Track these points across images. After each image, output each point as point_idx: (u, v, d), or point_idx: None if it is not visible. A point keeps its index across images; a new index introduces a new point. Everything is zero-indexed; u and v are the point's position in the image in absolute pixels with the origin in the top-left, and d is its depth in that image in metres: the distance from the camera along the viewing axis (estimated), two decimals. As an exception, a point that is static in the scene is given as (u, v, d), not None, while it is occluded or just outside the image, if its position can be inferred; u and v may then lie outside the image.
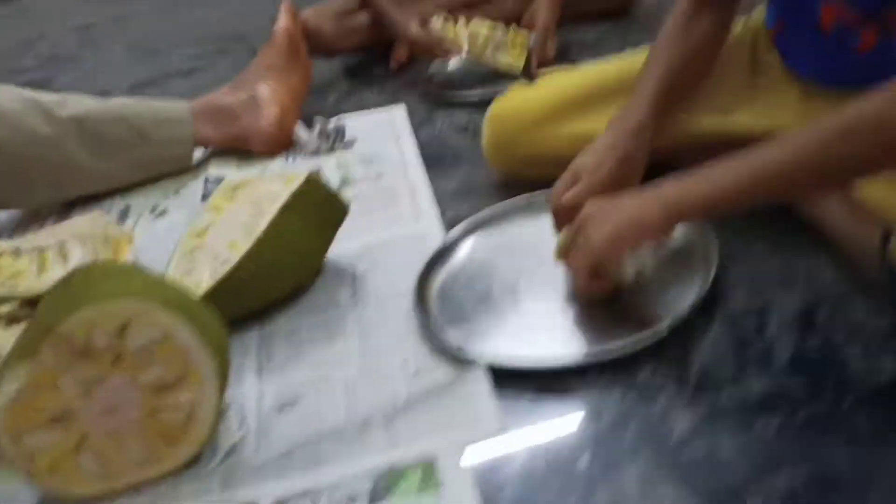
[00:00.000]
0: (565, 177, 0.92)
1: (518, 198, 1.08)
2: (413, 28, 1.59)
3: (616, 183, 0.89)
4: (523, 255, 0.99)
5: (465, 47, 1.53)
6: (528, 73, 1.40)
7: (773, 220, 0.96)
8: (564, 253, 0.87)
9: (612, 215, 0.81)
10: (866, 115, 0.69)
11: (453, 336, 0.88)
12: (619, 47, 1.56)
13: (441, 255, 1.01)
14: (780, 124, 0.94)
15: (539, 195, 1.05)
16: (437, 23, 1.56)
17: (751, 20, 1.05)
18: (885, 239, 0.79)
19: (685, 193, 0.78)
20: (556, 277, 0.93)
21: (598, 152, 0.92)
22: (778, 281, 0.88)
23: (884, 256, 0.78)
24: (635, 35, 1.60)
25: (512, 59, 1.53)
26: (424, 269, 0.98)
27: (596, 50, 1.59)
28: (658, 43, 0.99)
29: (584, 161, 0.92)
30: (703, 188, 0.77)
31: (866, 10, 0.86)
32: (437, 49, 1.55)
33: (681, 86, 0.97)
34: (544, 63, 1.48)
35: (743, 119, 0.98)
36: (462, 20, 1.56)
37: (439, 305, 0.94)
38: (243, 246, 0.95)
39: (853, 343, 0.77)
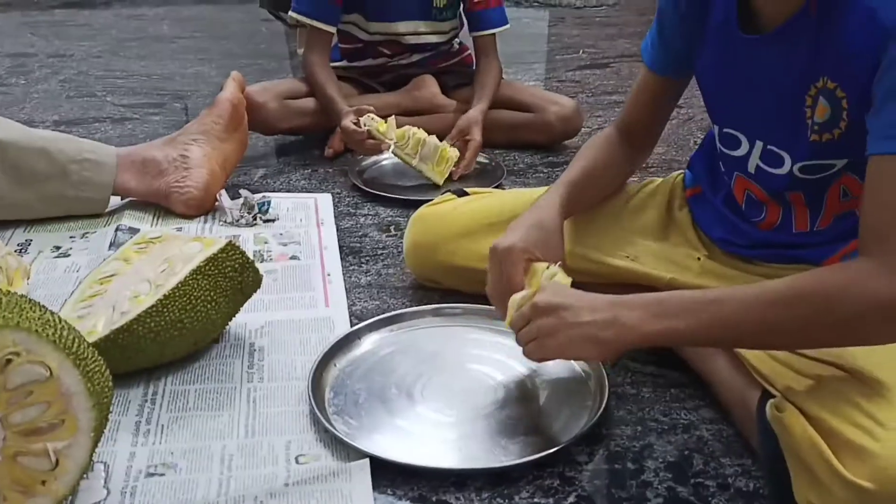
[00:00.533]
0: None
1: (429, 306, 1.10)
2: (347, 119, 1.63)
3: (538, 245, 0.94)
4: (425, 360, 1.00)
5: (391, 145, 1.58)
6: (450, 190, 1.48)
7: (663, 366, 1.00)
8: (515, 326, 0.87)
9: (569, 329, 0.82)
10: (822, 290, 0.73)
11: (342, 427, 0.88)
12: (547, 177, 1.65)
13: (343, 345, 1.01)
14: (684, 280, 1.00)
15: (449, 307, 1.08)
16: (368, 119, 1.61)
17: (670, 179, 1.13)
18: (763, 400, 0.83)
19: (641, 327, 0.80)
20: (452, 388, 0.94)
21: (521, 223, 0.97)
22: (660, 426, 0.91)
23: (761, 417, 0.83)
24: (561, 168, 1.68)
25: (436, 173, 1.59)
26: (324, 356, 0.98)
27: (525, 176, 1.66)
28: (580, 151, 1.09)
29: (507, 238, 0.95)
30: (659, 327, 0.79)
31: (772, 190, 0.94)
32: (363, 143, 1.59)
33: (589, 186, 1.05)
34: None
35: (651, 268, 1.04)
36: (392, 119, 1.62)
37: (333, 394, 0.94)
38: (146, 301, 0.93)
39: (721, 497, 0.81)
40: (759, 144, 0.93)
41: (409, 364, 0.99)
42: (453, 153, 1.61)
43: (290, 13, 1.84)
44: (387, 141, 1.58)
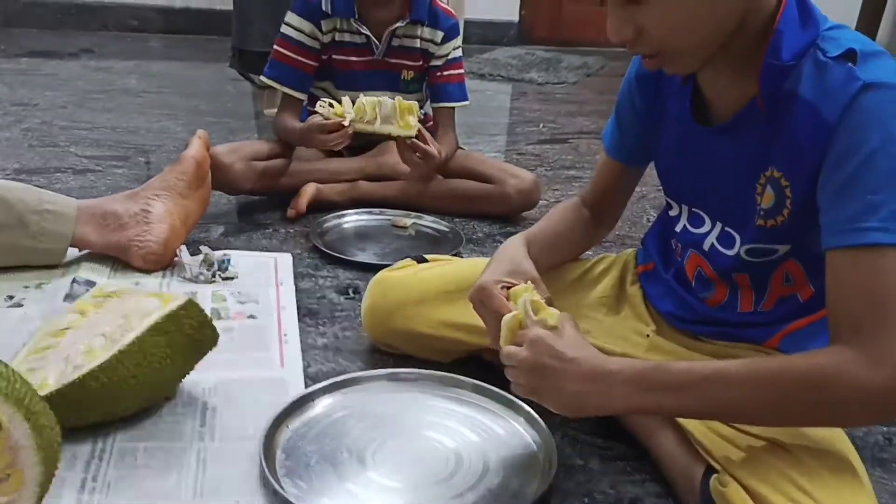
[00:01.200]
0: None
1: (385, 370, 1.11)
2: (311, 120, 1.70)
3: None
4: (377, 425, 1.01)
5: (350, 118, 1.63)
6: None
7: (611, 439, 1.02)
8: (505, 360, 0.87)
9: (556, 393, 0.83)
10: (811, 376, 0.76)
11: (292, 489, 0.88)
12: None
13: (297, 407, 1.02)
14: (633, 354, 1.03)
15: (404, 372, 1.09)
16: (322, 106, 1.65)
17: (623, 256, 1.17)
18: (707, 475, 0.86)
19: (628, 399, 0.81)
20: (403, 454, 0.95)
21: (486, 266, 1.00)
22: (607, 499, 0.93)
23: (704, 492, 0.85)
24: (519, 242, 1.72)
25: (403, 127, 1.65)
26: (277, 417, 0.98)
27: (483, 245, 1.69)
28: (548, 213, 1.14)
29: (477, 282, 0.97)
30: (645, 401, 0.80)
31: (721, 269, 0.98)
32: (329, 134, 1.64)
33: (550, 244, 1.09)
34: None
35: (602, 342, 1.06)
36: (345, 98, 1.67)
37: (285, 456, 0.94)
38: (100, 355, 0.92)
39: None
40: (718, 225, 0.97)
41: (362, 428, 1.00)
42: (412, 102, 1.68)
43: (262, 78, 1.88)
44: (347, 120, 1.62)
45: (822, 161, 0.81)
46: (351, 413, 1.03)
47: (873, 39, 2.78)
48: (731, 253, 0.96)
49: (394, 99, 1.66)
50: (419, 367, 1.11)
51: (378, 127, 1.65)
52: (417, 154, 1.71)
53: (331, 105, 1.66)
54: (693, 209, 1.01)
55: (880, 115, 0.77)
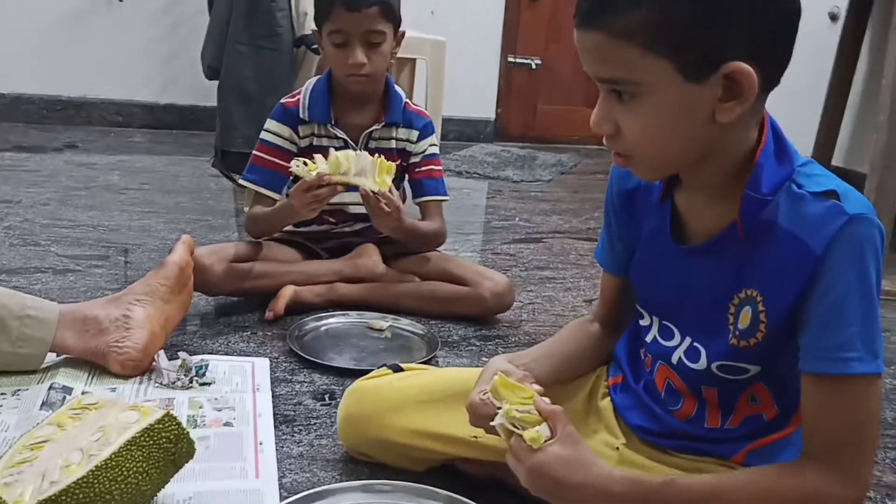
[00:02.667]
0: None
1: (359, 482, 1.12)
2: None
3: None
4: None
5: (323, 170, 1.67)
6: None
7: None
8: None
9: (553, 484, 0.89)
10: (782, 493, 0.86)
11: None
12: (479, 350, 1.71)
13: (271, 521, 1.02)
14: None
15: (378, 483, 1.10)
16: (297, 165, 1.69)
17: (595, 371, 1.20)
18: None
19: None
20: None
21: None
22: None
23: None
24: (493, 342, 1.76)
25: (379, 183, 1.68)
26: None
27: (458, 349, 1.72)
28: (555, 337, 1.18)
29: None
30: None
31: (691, 383, 1.02)
32: (311, 196, 1.68)
33: (544, 356, 1.12)
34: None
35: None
36: (318, 157, 1.70)
37: (258, 573, 0.94)
38: (77, 471, 0.93)
39: None
40: (687, 339, 1.01)
41: (336, 543, 1.00)
42: (391, 164, 1.71)
43: (241, 181, 1.94)
44: (323, 176, 1.66)
45: (807, 288, 0.87)
46: (325, 527, 1.04)
47: (829, 161, 2.91)
48: (698, 367, 0.99)
49: (373, 157, 1.71)
50: (394, 477, 1.12)
51: (353, 178, 1.69)
52: (384, 203, 1.72)
53: (304, 163, 1.70)
54: (664, 322, 1.05)
55: (861, 247, 0.84)
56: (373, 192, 1.69)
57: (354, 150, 1.87)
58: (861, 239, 0.84)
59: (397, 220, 1.76)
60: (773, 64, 0.85)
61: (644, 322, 1.08)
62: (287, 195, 1.87)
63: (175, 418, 1.01)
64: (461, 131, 4.78)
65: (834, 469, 0.85)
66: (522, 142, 4.83)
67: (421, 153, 1.95)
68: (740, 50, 0.82)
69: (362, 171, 1.70)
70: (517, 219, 2.98)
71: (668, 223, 0.99)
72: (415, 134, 1.94)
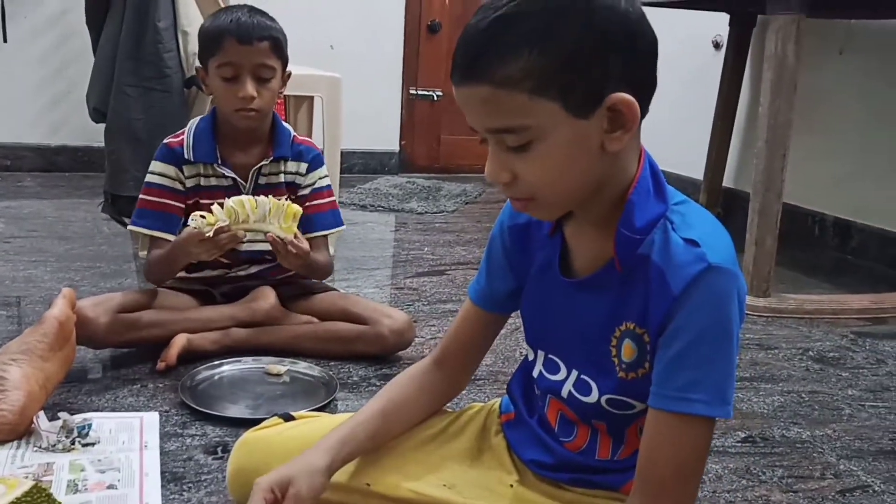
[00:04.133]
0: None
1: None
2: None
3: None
4: None
5: (223, 222, 1.63)
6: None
7: None
8: None
9: None
10: None
11: None
12: (380, 389, 1.68)
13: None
14: (497, 504, 1.05)
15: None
16: (194, 220, 1.65)
17: (487, 406, 1.20)
18: None
19: None
20: None
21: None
22: None
23: None
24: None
25: (284, 230, 1.67)
26: None
27: (358, 390, 1.70)
28: (385, 386, 1.15)
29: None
30: None
31: (581, 414, 1.03)
32: (208, 243, 1.64)
33: (382, 426, 1.10)
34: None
35: (465, 496, 1.08)
36: (215, 206, 1.66)
37: None
38: (-64, 553, 0.88)
39: None
40: (574, 373, 1.02)
41: None
42: (298, 208, 1.70)
43: (131, 227, 1.88)
44: (221, 227, 1.62)
45: (665, 325, 0.89)
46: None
47: (720, 183, 3.03)
48: (589, 400, 1.00)
49: (281, 200, 1.69)
50: (286, 533, 1.09)
51: (256, 225, 1.66)
52: (291, 249, 1.71)
53: (202, 216, 1.66)
54: (549, 356, 1.05)
55: (718, 296, 0.87)
56: (280, 238, 1.68)
57: (243, 189, 1.84)
58: (718, 288, 0.86)
59: (305, 261, 1.75)
60: (647, 90, 0.88)
61: (530, 356, 1.09)
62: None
63: (44, 490, 0.96)
64: (366, 164, 4.78)
65: (658, 501, 0.89)
66: (427, 173, 4.86)
67: (310, 185, 1.93)
68: (619, 81, 0.84)
69: (263, 216, 1.68)
70: (424, 249, 2.98)
71: (557, 257, 1.00)
72: (304, 167, 1.93)
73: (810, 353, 2.11)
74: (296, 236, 1.72)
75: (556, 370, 1.05)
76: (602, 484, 1.03)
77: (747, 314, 2.40)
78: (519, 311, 1.11)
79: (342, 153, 3.13)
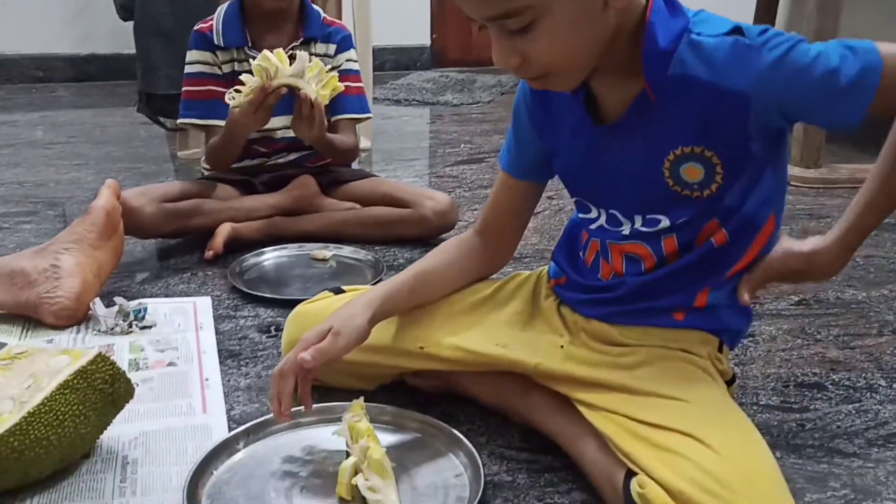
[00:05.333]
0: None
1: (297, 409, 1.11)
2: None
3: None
4: (303, 462, 1.00)
5: (256, 82, 1.60)
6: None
7: (537, 452, 1.04)
8: None
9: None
10: None
11: (218, 536, 0.86)
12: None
13: (220, 452, 1.00)
14: (549, 364, 1.04)
15: (328, 406, 1.08)
16: (232, 98, 1.63)
17: (536, 273, 1.19)
18: (628, 478, 0.88)
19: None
20: (331, 489, 0.94)
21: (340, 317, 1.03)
22: (536, 510, 0.94)
23: (626, 495, 0.87)
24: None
25: (320, 94, 1.63)
26: (199, 465, 0.97)
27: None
28: (431, 251, 1.16)
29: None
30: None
31: (650, 242, 1.00)
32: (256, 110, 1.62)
33: (418, 289, 1.11)
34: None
35: (520, 354, 1.08)
36: (245, 76, 1.63)
37: (210, 502, 0.92)
38: (10, 419, 0.90)
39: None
40: (637, 218, 1.00)
41: (288, 467, 0.99)
42: (339, 83, 1.66)
43: (180, 121, 1.87)
44: (265, 85, 1.59)
45: (747, 122, 0.87)
46: (276, 453, 1.02)
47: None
48: (661, 227, 0.98)
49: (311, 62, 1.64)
50: (341, 398, 1.11)
51: (290, 79, 1.61)
52: (314, 113, 1.66)
53: (237, 90, 1.63)
54: (610, 211, 1.03)
55: (786, 47, 0.84)
56: (310, 98, 1.62)
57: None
58: (775, 48, 0.84)
59: (320, 132, 1.70)
60: None
61: (591, 214, 1.06)
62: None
63: (108, 358, 0.98)
64: (397, 60, 4.69)
65: None
66: (461, 66, 4.76)
67: (338, 67, 1.88)
68: None
69: (301, 71, 1.63)
70: (461, 145, 2.94)
71: (584, 108, 0.97)
72: (332, 48, 1.88)
73: (863, 220, 2.06)
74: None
75: (619, 224, 1.02)
76: (666, 309, 1.01)
77: (796, 186, 2.35)
78: (561, 182, 1.08)
79: (373, 50, 3.06)
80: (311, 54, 1.84)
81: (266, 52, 1.62)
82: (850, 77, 0.83)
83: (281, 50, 1.63)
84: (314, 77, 1.62)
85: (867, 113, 0.85)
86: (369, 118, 1.96)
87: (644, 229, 0.99)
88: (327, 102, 1.65)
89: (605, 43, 0.87)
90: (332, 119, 1.90)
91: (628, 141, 0.95)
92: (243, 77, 1.63)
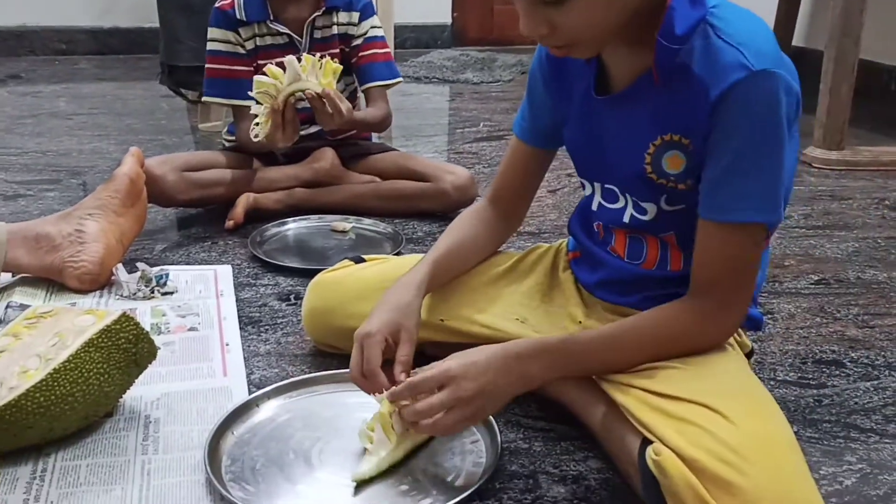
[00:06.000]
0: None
1: (326, 372, 1.12)
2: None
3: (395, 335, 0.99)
4: (321, 425, 1.02)
5: (265, 108, 1.59)
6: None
7: (553, 421, 1.05)
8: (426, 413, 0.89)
9: (496, 399, 0.90)
10: (681, 325, 0.93)
11: (239, 493, 0.88)
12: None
13: (241, 413, 1.02)
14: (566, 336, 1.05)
15: (345, 372, 1.09)
16: (252, 129, 1.62)
17: (555, 245, 1.20)
18: (643, 447, 0.88)
19: (549, 377, 0.95)
20: (348, 452, 0.96)
21: (380, 307, 1.02)
22: (550, 478, 0.95)
23: (642, 463, 0.87)
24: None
25: (323, 84, 1.61)
26: (221, 425, 0.98)
27: (423, 244, 1.71)
28: (449, 226, 1.15)
29: (367, 324, 1.00)
30: (572, 370, 0.96)
31: (649, 230, 1.01)
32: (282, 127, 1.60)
33: (454, 262, 1.12)
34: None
35: (539, 329, 1.09)
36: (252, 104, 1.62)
37: (230, 461, 0.94)
38: (36, 375, 0.92)
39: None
40: (630, 197, 1.00)
41: (307, 429, 1.01)
42: (338, 66, 1.64)
43: (205, 98, 1.88)
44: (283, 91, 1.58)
45: (709, 133, 0.88)
46: (295, 416, 1.04)
47: (790, 41, 2.86)
48: (649, 219, 0.99)
49: (315, 56, 1.63)
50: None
51: (292, 87, 1.59)
52: (328, 106, 1.64)
53: (256, 124, 1.62)
54: (606, 185, 1.03)
55: (763, 102, 0.84)
56: (317, 93, 1.62)
57: (299, 45, 1.82)
58: (763, 94, 0.84)
59: (345, 119, 1.68)
60: None
61: (587, 192, 1.07)
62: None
63: (132, 318, 0.99)
64: (418, 38, 4.67)
65: (713, 303, 0.92)
66: (481, 45, 4.73)
67: (363, 35, 1.88)
68: None
69: (296, 75, 1.61)
70: (481, 123, 2.94)
71: (594, 79, 0.98)
72: (356, 16, 1.88)
73: (886, 202, 2.04)
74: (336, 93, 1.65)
75: (615, 199, 1.03)
76: (673, 298, 1.01)
77: (819, 168, 2.33)
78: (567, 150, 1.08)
79: (395, 27, 3.05)
80: (335, 24, 1.85)
81: (256, 77, 1.60)
82: (748, 194, 0.87)
83: (271, 67, 1.60)
84: (311, 72, 1.61)
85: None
86: (399, 81, 1.96)
87: (639, 216, 1.00)
88: (333, 87, 1.64)
89: (629, 17, 0.87)
90: (363, 88, 1.91)
91: (624, 115, 0.96)
92: (253, 110, 1.62)
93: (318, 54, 1.65)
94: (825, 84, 2.29)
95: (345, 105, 1.66)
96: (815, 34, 3.53)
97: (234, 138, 1.90)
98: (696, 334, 0.94)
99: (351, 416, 1.03)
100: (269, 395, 1.06)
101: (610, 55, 0.96)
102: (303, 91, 1.61)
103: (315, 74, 1.62)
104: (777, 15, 3.54)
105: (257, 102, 1.61)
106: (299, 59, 1.60)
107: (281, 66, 1.59)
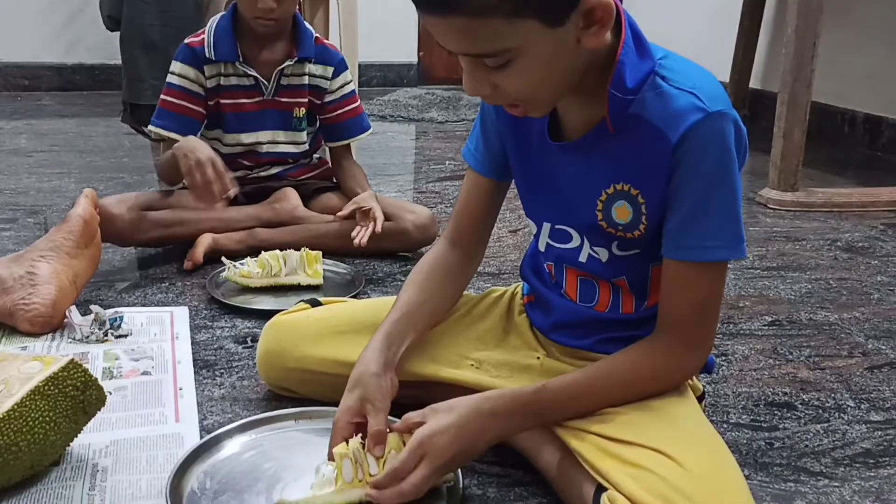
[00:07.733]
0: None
1: (282, 411, 1.11)
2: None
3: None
4: (283, 465, 1.00)
5: (258, 272, 1.63)
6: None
7: (507, 466, 1.04)
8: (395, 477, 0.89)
9: (460, 456, 0.92)
10: (652, 365, 0.95)
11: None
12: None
13: (194, 459, 1.00)
14: (529, 379, 1.05)
15: (305, 411, 1.09)
16: (229, 272, 1.63)
17: (510, 289, 1.20)
18: (598, 494, 0.88)
19: (524, 429, 0.99)
20: (307, 490, 0.94)
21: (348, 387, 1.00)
22: (505, 523, 0.94)
23: (596, 508, 0.87)
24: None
25: (313, 275, 1.65)
26: (179, 467, 0.96)
27: (384, 285, 1.71)
28: (408, 278, 1.13)
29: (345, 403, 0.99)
30: (532, 425, 0.98)
31: (601, 273, 1.03)
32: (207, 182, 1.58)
33: (416, 319, 1.09)
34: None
35: (495, 375, 1.09)
36: (248, 259, 1.65)
37: (183, 508, 0.92)
38: (-21, 425, 0.90)
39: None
40: (585, 239, 1.02)
41: (269, 469, 0.99)
42: (317, 253, 1.67)
43: (150, 127, 1.87)
44: (250, 275, 1.62)
45: (671, 177, 0.90)
46: (256, 454, 1.02)
47: (747, 84, 2.94)
48: (603, 259, 1.02)
49: (299, 251, 1.66)
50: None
51: (285, 279, 1.64)
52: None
53: (241, 263, 1.65)
54: (556, 226, 1.05)
55: (720, 142, 0.88)
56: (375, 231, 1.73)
57: (265, 89, 1.83)
58: (720, 134, 0.87)
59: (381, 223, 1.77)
60: None
61: (534, 231, 1.08)
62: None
63: (80, 365, 0.98)
64: (384, 76, 4.72)
65: (682, 341, 0.95)
66: (447, 84, 4.79)
67: (338, 90, 1.91)
68: None
69: (293, 268, 1.65)
70: (447, 155, 2.96)
71: (547, 125, 0.99)
72: (329, 70, 1.90)
73: (839, 243, 2.09)
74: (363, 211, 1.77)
75: (568, 239, 1.04)
76: (631, 340, 1.02)
77: (773, 209, 2.38)
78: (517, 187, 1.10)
79: (359, 66, 3.07)
80: (306, 74, 1.88)
81: (277, 252, 1.65)
82: (713, 233, 0.91)
83: (276, 254, 1.64)
84: (300, 267, 1.66)
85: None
86: (369, 134, 2.01)
87: (595, 256, 1.02)
88: (321, 274, 1.67)
89: (577, 76, 0.89)
90: (336, 144, 1.97)
91: (578, 163, 0.98)
92: (247, 261, 1.65)
93: (301, 105, 1.67)
94: (778, 128, 2.34)
95: (379, 219, 1.76)
96: (771, 77, 3.62)
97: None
98: (664, 373, 0.96)
99: (309, 455, 1.01)
100: (225, 436, 1.04)
101: (563, 106, 0.97)
102: (298, 283, 1.65)
103: (301, 267, 1.66)
104: (735, 57, 3.64)
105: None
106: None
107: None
